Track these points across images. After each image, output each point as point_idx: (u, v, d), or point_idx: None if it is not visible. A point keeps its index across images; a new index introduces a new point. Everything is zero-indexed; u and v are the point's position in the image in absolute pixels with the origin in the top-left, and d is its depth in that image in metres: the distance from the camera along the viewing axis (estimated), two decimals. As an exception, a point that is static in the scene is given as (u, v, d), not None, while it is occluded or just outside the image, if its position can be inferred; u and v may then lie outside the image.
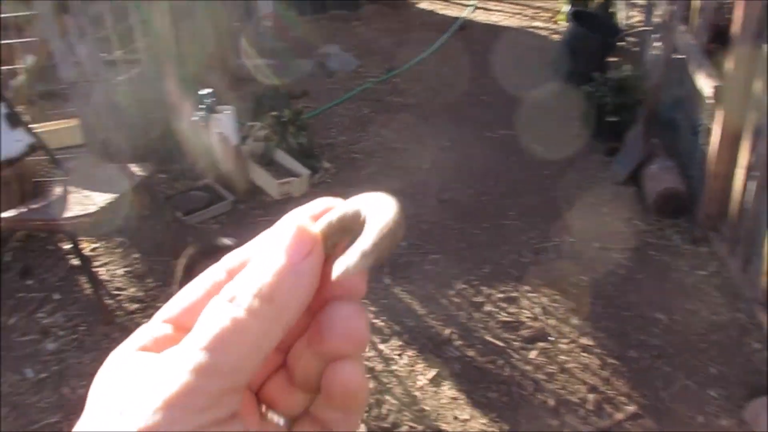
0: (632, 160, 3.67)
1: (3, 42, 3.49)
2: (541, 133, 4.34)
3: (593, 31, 5.15)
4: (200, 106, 3.55)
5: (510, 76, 5.38)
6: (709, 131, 3.08)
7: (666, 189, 3.34)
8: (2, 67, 3.53)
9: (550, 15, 7.31)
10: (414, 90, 5.20)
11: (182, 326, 0.30)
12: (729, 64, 2.88)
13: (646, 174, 3.57)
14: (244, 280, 0.28)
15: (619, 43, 5.27)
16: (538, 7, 7.68)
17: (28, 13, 3.52)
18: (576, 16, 5.24)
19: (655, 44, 4.81)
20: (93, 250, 3.45)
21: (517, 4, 7.91)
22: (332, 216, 0.31)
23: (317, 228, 0.30)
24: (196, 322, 0.28)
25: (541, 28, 6.79)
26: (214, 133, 3.58)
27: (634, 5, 6.29)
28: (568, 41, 5.20)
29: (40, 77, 3.85)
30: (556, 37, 6.45)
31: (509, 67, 5.57)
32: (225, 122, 3.55)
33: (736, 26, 2.84)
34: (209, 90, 3.54)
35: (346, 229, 0.30)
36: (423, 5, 8.06)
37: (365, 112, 4.83)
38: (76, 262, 3.28)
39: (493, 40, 6.39)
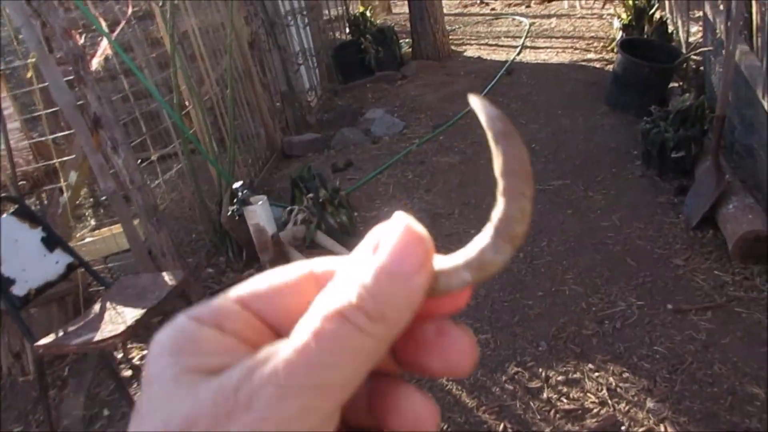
0: (705, 200, 3.26)
1: (44, 163, 3.61)
2: (598, 179, 4.00)
3: (648, 59, 4.78)
4: (234, 200, 3.50)
5: (561, 117, 5.08)
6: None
7: (748, 232, 2.92)
8: (44, 188, 3.63)
9: (603, 45, 6.95)
10: (460, 146, 4.98)
11: (260, 314, 0.28)
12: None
13: (723, 215, 3.15)
14: (354, 289, 0.26)
15: (681, 66, 4.87)
16: (591, 38, 7.34)
17: (64, 133, 3.63)
18: (627, 45, 4.90)
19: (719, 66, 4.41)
20: (143, 358, 3.41)
21: (567, 38, 7.61)
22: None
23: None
24: (282, 318, 0.28)
25: (595, 60, 6.45)
26: (250, 225, 3.50)
27: (693, 19, 5.86)
28: (620, 73, 4.85)
29: (85, 191, 3.94)
30: (611, 68, 6.09)
31: (560, 107, 5.28)
32: (259, 213, 3.47)
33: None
34: (241, 183, 3.48)
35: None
36: (469, 53, 7.92)
37: (410, 177, 4.65)
38: (126, 373, 3.25)
39: (542, 80, 6.11)
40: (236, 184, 3.48)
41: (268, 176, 5.13)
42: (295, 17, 6.07)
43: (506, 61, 7.06)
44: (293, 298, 0.29)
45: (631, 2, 6.50)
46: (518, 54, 7.31)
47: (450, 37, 8.67)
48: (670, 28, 5.53)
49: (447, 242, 3.67)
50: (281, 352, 0.25)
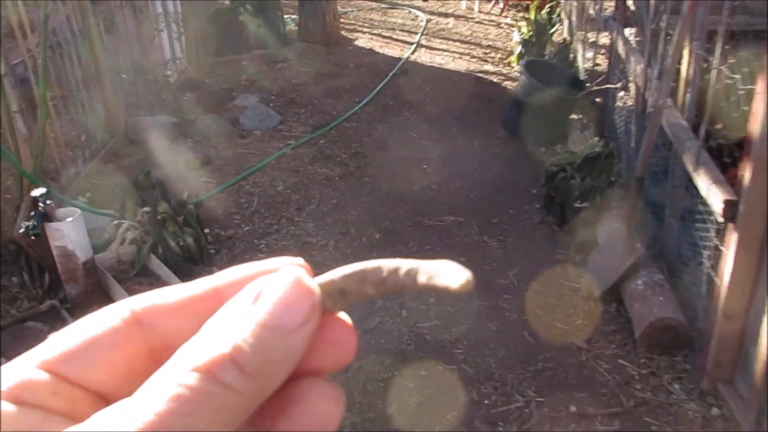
0: (613, 270, 2.86)
1: None
2: (495, 220, 3.51)
3: (550, 84, 4.38)
4: (31, 213, 2.59)
5: (456, 135, 4.58)
6: (717, 255, 2.29)
7: (659, 320, 2.54)
8: None
9: (500, 56, 6.57)
10: (341, 156, 4.32)
11: (70, 379, 0.24)
12: (746, 171, 2.09)
13: (630, 291, 2.76)
14: (228, 341, 0.22)
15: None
16: (488, 47, 6.94)
17: None
18: (530, 67, 4.47)
19: (625, 102, 4.09)
20: None
21: (464, 42, 7.17)
22: (336, 274, 0.26)
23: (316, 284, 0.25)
24: (94, 372, 0.24)
25: (492, 73, 6.02)
26: (53, 246, 2.61)
27: (594, 46, 5.59)
28: (522, 96, 4.42)
29: None
30: (509, 84, 5.69)
31: (455, 124, 4.77)
32: (67, 233, 2.58)
33: (754, 122, 2.05)
34: (43, 190, 2.57)
35: (350, 292, 0.26)
36: (361, 42, 7.25)
37: (280, 189, 3.92)
38: None
39: (438, 87, 5.59)
40: (36, 191, 2.57)
41: (101, 167, 4.15)
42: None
43: (400, 59, 6.47)
44: (114, 353, 0.24)
45: (532, 16, 6.15)
46: (413, 52, 6.74)
47: (341, 20, 7.94)
48: (571, 55, 5.21)
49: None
50: (118, 417, 0.21)
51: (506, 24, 7.92)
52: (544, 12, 6.22)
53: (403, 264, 0.26)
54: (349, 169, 4.13)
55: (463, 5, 9.03)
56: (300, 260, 0.27)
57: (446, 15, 8.53)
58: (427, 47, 6.98)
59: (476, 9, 8.79)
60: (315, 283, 0.25)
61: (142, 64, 4.95)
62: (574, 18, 5.88)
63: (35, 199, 2.56)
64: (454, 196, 3.78)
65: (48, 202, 2.57)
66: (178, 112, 5.01)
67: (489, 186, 3.87)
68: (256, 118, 4.89)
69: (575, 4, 6.09)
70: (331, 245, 3.33)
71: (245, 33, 6.54)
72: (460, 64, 6.31)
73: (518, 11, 8.69)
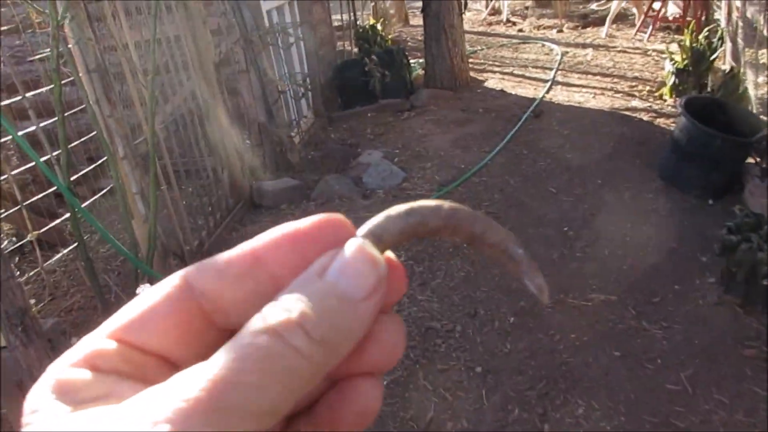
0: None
1: None
2: (656, 299, 2.91)
3: (718, 125, 3.69)
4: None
5: (602, 189, 3.99)
6: None
7: None
8: None
9: (650, 89, 5.85)
10: (471, 218, 3.90)
11: (135, 344, 0.25)
12: None
13: None
14: (296, 306, 0.24)
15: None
16: (635, 79, 6.24)
17: None
18: (690, 105, 3.80)
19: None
20: None
21: (606, 75, 6.52)
22: (391, 226, 0.27)
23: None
24: (155, 337, 0.25)
25: (641, 110, 5.34)
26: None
27: (763, 69, 4.76)
28: (682, 141, 3.76)
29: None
30: (662, 122, 5.00)
31: (600, 174, 4.19)
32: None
33: None
34: (146, 286, 2.42)
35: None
36: (491, 83, 6.84)
37: (402, 259, 3.57)
38: None
39: (577, 130, 5.02)
40: (140, 288, 2.42)
41: (227, 235, 4.07)
42: (280, 33, 5.01)
43: (534, 99, 5.98)
44: (170, 317, 0.26)
45: (687, 42, 5.40)
46: (548, 91, 6.22)
47: (470, 60, 7.60)
48: (740, 87, 4.42)
49: (438, 379, 2.59)
50: (189, 376, 0.22)
51: (654, 51, 7.15)
52: (701, 36, 5.46)
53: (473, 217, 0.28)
54: (479, 233, 3.70)
55: (603, 32, 8.34)
56: (339, 216, 0.28)
57: (584, 45, 7.90)
58: (563, 84, 6.42)
59: (619, 36, 8.07)
60: (381, 257, 0.26)
61: (267, 127, 4.90)
62: (740, 40, 5.07)
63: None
64: (604, 266, 3.22)
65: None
66: (303, 174, 4.89)
67: (646, 253, 3.26)
68: (380, 177, 4.63)
69: (741, 23, 5.27)
70: (457, 331, 2.91)
71: (371, 83, 6.39)
72: (602, 102, 5.68)
73: (667, 34, 7.86)
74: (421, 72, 7.23)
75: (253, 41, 4.66)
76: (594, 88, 6.13)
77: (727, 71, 4.44)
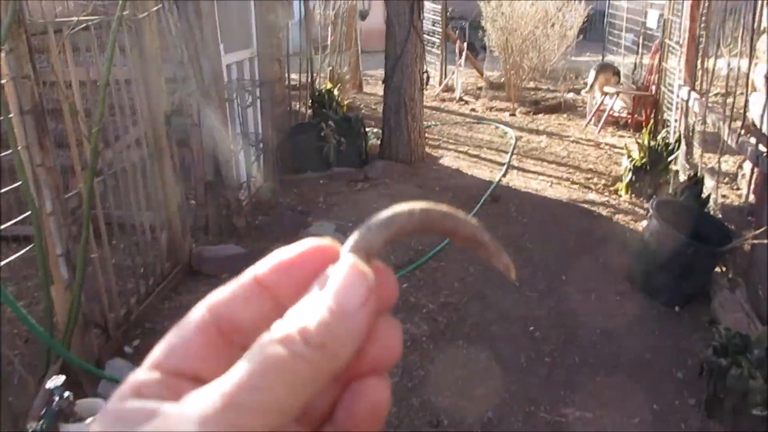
0: None
1: None
2: (635, 420, 2.68)
3: (683, 228, 3.62)
4: (42, 411, 1.99)
5: (567, 286, 3.82)
6: None
7: None
8: None
9: (605, 183, 5.87)
10: (428, 305, 3.63)
11: (172, 371, 0.29)
12: None
13: None
14: (298, 321, 0.27)
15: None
16: (589, 171, 6.27)
17: None
18: (661, 209, 3.73)
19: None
20: None
21: (561, 165, 6.53)
22: (375, 235, 0.31)
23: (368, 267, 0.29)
24: (187, 362, 0.29)
25: (599, 204, 5.31)
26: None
27: (720, 175, 4.81)
28: (652, 246, 3.66)
29: None
30: (620, 219, 4.95)
31: (564, 270, 4.03)
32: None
33: None
34: (59, 379, 1.99)
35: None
36: (446, 160, 6.74)
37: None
38: None
39: (537, 220, 4.90)
40: (52, 381, 1.98)
41: (158, 304, 3.63)
42: (238, 90, 4.73)
43: (490, 182, 5.88)
44: (197, 343, 0.29)
45: (645, 141, 5.47)
46: (504, 174, 6.15)
47: (426, 135, 7.52)
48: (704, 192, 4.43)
49: None
50: (214, 384, 0.26)
51: (607, 144, 7.27)
52: (660, 136, 5.55)
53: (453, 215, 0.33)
54: (439, 326, 3.43)
55: (553, 120, 8.50)
56: (326, 241, 0.31)
57: (537, 132, 7.99)
58: (519, 169, 6.38)
59: (571, 126, 8.22)
60: (369, 269, 0.29)
61: (214, 187, 4.54)
62: (697, 144, 5.16)
63: (50, 392, 1.98)
64: (574, 376, 2.98)
65: (66, 395, 1.98)
66: (248, 240, 4.52)
67: (618, 364, 3.06)
68: (333, 252, 4.31)
69: (698, 128, 5.40)
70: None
71: (326, 150, 6.16)
72: (559, 191, 5.64)
73: (615, 129, 8.07)
74: (375, 142, 7.08)
75: (210, 95, 4.36)
76: (550, 176, 6.10)
77: (690, 175, 4.45)
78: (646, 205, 5.29)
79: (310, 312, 0.27)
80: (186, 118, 4.28)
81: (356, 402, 0.29)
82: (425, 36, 11.89)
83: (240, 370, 0.25)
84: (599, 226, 4.82)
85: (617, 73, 8.70)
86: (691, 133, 5.41)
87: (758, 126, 3.79)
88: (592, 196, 5.50)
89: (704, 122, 4.84)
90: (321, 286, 0.28)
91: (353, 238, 0.31)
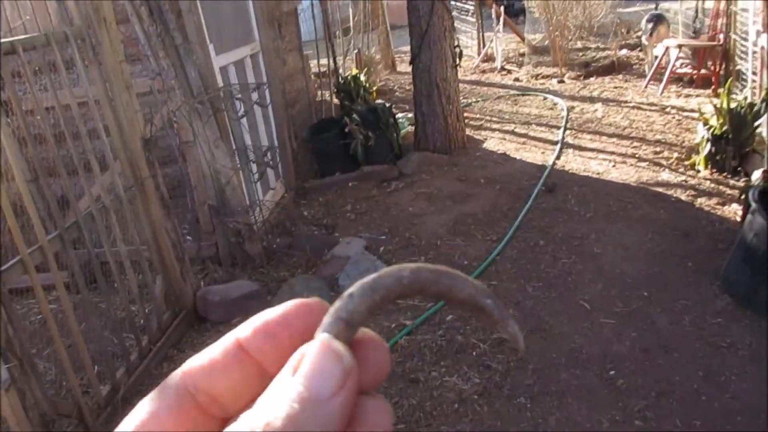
0: None
1: None
2: None
3: None
4: None
5: (651, 308, 3.04)
6: None
7: None
8: None
9: (678, 157, 4.97)
10: (480, 348, 2.92)
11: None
12: None
13: None
14: (263, 416, 0.25)
15: None
16: (657, 143, 5.37)
17: None
18: (765, 199, 2.89)
19: None
20: None
21: (624, 138, 5.64)
22: (360, 302, 0.28)
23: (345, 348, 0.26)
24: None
25: (675, 185, 4.44)
26: None
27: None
28: (758, 248, 2.83)
29: None
30: (705, 204, 4.09)
31: (644, 284, 3.26)
32: None
33: None
34: None
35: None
36: (491, 143, 5.95)
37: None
38: None
39: (604, 213, 4.10)
40: None
41: (154, 367, 3.06)
42: (237, 96, 4.07)
43: (543, 166, 5.08)
44: (175, 419, 0.28)
45: (724, 104, 4.54)
46: (558, 156, 5.32)
47: (465, 114, 6.73)
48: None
49: None
50: None
51: (674, 108, 6.31)
52: (741, 97, 4.62)
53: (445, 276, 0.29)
54: (494, 376, 2.72)
55: (607, 81, 7.54)
56: (314, 300, 0.29)
57: (591, 99, 7.07)
58: (575, 147, 5.54)
59: (629, 89, 7.25)
60: (343, 348, 0.26)
61: (219, 213, 3.93)
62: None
63: None
64: (659, 401, 2.24)
65: None
66: (266, 269, 3.91)
67: (727, 412, 2.30)
68: (360, 278, 3.64)
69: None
70: None
71: (353, 147, 5.48)
72: (625, 172, 4.78)
73: (681, 88, 7.06)
74: (410, 128, 6.34)
75: (202, 107, 3.72)
76: (612, 153, 5.24)
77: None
78: (732, 182, 4.41)
79: (277, 402, 0.25)
80: (172, 138, 3.66)
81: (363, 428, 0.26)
82: (456, 3, 10.98)
83: None
84: (680, 215, 3.97)
85: (668, 26, 7.66)
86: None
87: None
88: (665, 175, 4.63)
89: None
90: (293, 369, 0.26)
91: (333, 306, 0.28)
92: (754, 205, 2.83)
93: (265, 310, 0.28)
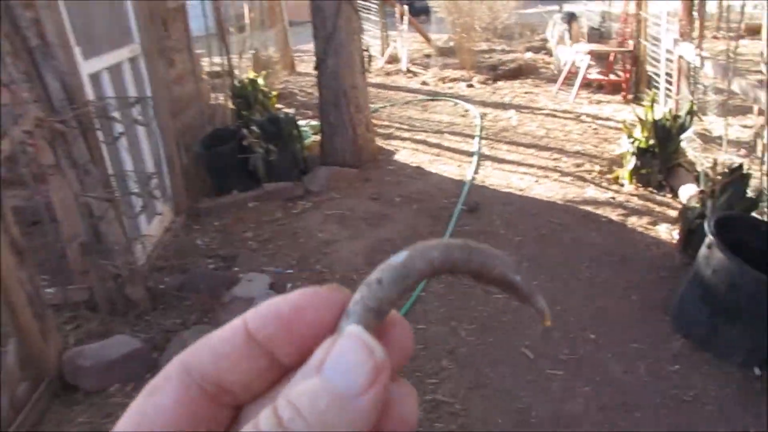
0: None
1: None
2: None
3: (750, 256, 2.56)
4: None
5: (601, 351, 2.73)
6: None
7: None
8: None
9: (601, 170, 4.78)
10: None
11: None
12: None
13: None
14: (287, 411, 0.23)
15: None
16: (578, 155, 5.16)
17: None
18: (721, 228, 2.63)
19: None
20: None
21: (542, 148, 5.40)
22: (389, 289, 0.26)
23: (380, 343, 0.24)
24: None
25: (603, 203, 4.20)
26: None
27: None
28: (721, 289, 2.56)
29: None
30: (636, 223, 3.86)
31: (587, 320, 2.94)
32: None
33: None
34: None
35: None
36: (403, 154, 5.55)
37: None
38: None
39: (533, 238, 3.79)
40: None
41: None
42: (108, 114, 3.38)
43: (461, 181, 4.72)
44: (179, 412, 0.25)
45: (649, 115, 4.38)
46: (476, 170, 4.99)
47: (373, 122, 6.28)
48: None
49: None
50: None
51: (588, 116, 6.18)
52: (666, 110, 4.47)
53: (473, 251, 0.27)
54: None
55: (517, 85, 7.36)
56: (330, 289, 0.27)
57: (503, 105, 6.83)
58: (493, 159, 5.23)
59: (540, 94, 7.10)
60: (377, 343, 0.24)
61: (93, 250, 3.24)
62: (714, 113, 4.10)
63: None
64: None
65: None
66: (152, 318, 3.27)
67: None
68: (268, 327, 3.10)
69: (713, 94, 4.34)
70: None
71: (252, 162, 4.88)
72: (549, 188, 4.51)
73: (592, 93, 6.99)
74: (315, 138, 5.82)
75: (65, 126, 3.03)
76: (532, 166, 4.97)
77: (734, 166, 3.36)
78: (659, 198, 4.24)
79: (303, 398, 0.23)
80: (26, 163, 2.95)
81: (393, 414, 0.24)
82: (358, 1, 10.53)
83: None
84: (613, 238, 3.72)
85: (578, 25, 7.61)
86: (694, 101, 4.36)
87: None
88: (591, 191, 4.39)
89: (728, 87, 3.77)
90: (322, 362, 0.24)
91: (361, 292, 0.26)
92: (711, 238, 2.56)
93: (275, 297, 0.26)
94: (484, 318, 3.04)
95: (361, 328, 0.24)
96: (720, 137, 4.85)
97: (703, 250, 2.65)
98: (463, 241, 0.27)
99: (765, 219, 3.11)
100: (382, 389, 0.23)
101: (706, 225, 2.62)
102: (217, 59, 6.07)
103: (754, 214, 3.29)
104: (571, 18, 7.33)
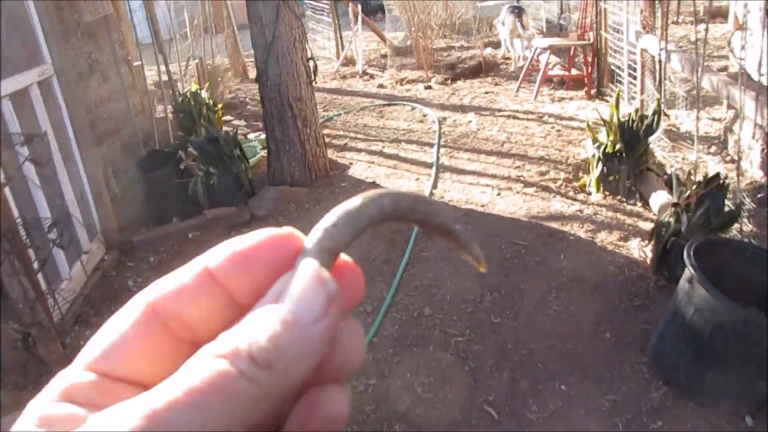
0: None
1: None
2: None
3: (728, 286, 2.27)
4: None
5: (576, 411, 2.40)
6: None
7: None
8: None
9: (566, 177, 4.47)
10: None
11: (109, 373, 0.25)
12: None
13: None
14: (245, 336, 0.23)
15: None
16: (542, 161, 4.86)
17: None
18: (700, 256, 2.32)
19: None
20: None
21: (504, 155, 5.09)
22: (342, 231, 0.27)
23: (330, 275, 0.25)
24: (128, 365, 0.25)
25: (570, 218, 3.89)
26: None
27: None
28: (705, 332, 2.26)
29: None
30: (607, 241, 3.56)
31: (558, 367, 2.62)
32: None
33: None
34: None
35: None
36: (358, 168, 5.18)
37: None
38: None
39: (496, 262, 3.46)
40: None
41: None
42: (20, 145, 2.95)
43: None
44: (140, 343, 0.26)
45: (614, 117, 4.09)
46: (435, 184, 4.65)
47: (325, 130, 5.90)
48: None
49: None
50: (138, 400, 0.22)
51: (550, 116, 5.88)
52: (632, 109, 4.18)
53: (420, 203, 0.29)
54: None
55: (477, 85, 7.04)
56: (287, 229, 0.27)
57: (462, 108, 6.50)
58: (452, 170, 4.89)
59: (500, 93, 6.78)
60: (331, 277, 0.25)
61: (-7, 311, 2.82)
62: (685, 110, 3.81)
63: None
64: None
65: None
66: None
67: None
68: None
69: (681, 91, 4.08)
70: None
71: (192, 186, 4.48)
72: (513, 202, 4.19)
73: (553, 89, 6.71)
74: (264, 153, 5.42)
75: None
76: (494, 177, 4.65)
77: (709, 176, 3.07)
78: (629, 207, 3.96)
79: (260, 325, 0.24)
80: None
81: (311, 413, 0.26)
82: (309, 2, 10.10)
83: (176, 384, 0.22)
84: (582, 259, 3.41)
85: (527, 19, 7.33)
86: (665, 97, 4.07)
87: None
88: (557, 204, 4.08)
89: (697, 83, 3.48)
90: (280, 294, 0.25)
91: (316, 234, 0.27)
92: (692, 272, 2.25)
93: (235, 239, 0.26)
94: (443, 367, 2.70)
95: (317, 263, 0.25)
96: (689, 132, 4.61)
97: (683, 284, 2.34)
98: (411, 193, 0.28)
99: (746, 237, 2.82)
100: (334, 319, 0.24)
101: (684, 254, 2.31)
102: (164, 68, 5.63)
103: (735, 225, 3.03)
104: (519, 11, 7.03)
